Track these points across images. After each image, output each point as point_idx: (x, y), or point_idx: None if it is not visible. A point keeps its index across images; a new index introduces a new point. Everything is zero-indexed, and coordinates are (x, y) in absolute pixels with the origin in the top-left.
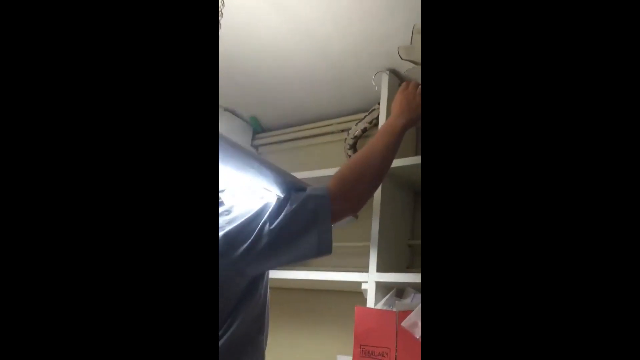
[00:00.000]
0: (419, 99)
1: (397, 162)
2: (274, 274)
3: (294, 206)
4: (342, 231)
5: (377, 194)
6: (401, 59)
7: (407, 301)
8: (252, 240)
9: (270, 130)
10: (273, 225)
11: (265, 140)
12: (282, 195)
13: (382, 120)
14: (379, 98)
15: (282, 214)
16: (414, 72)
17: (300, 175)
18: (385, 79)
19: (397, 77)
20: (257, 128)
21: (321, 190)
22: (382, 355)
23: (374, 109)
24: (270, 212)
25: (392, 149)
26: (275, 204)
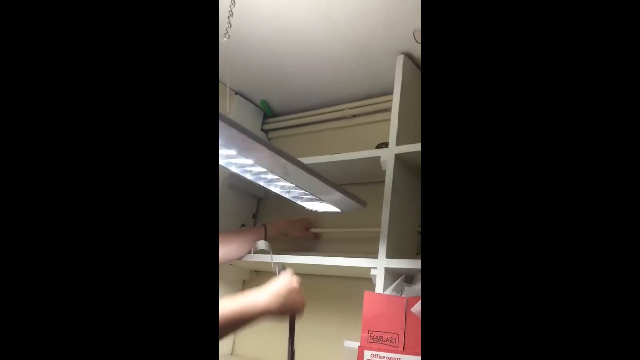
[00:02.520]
0: (298, 298)
1: (407, 148)
2: (285, 258)
3: None
4: (351, 217)
5: (389, 180)
6: (416, 42)
7: (416, 287)
8: None
9: (280, 114)
10: None
11: (275, 124)
12: None
13: (394, 108)
14: (392, 83)
15: None
16: None
17: (310, 160)
18: (399, 63)
19: (412, 61)
20: (268, 112)
21: None
22: (391, 341)
23: None
24: None
25: (241, 324)
26: None
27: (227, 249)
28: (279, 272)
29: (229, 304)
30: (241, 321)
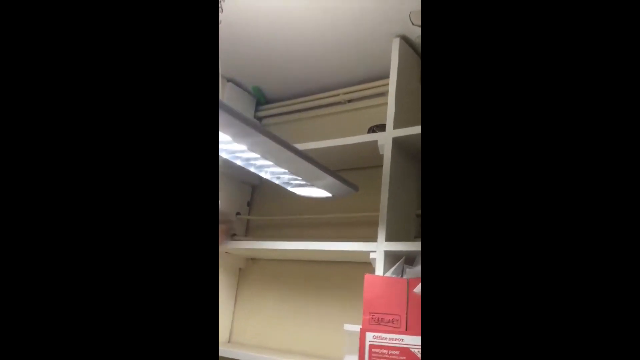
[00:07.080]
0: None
1: (405, 132)
2: (283, 245)
3: None
4: (350, 202)
5: (386, 163)
6: (412, 24)
7: (418, 269)
8: None
9: (274, 101)
10: None
11: (269, 112)
12: None
13: (391, 91)
14: (388, 66)
15: None
16: None
17: (305, 146)
18: (395, 46)
19: (407, 44)
20: (261, 99)
21: None
22: (393, 322)
23: None
24: None
25: None
26: None
27: None
28: None
29: None
30: None
